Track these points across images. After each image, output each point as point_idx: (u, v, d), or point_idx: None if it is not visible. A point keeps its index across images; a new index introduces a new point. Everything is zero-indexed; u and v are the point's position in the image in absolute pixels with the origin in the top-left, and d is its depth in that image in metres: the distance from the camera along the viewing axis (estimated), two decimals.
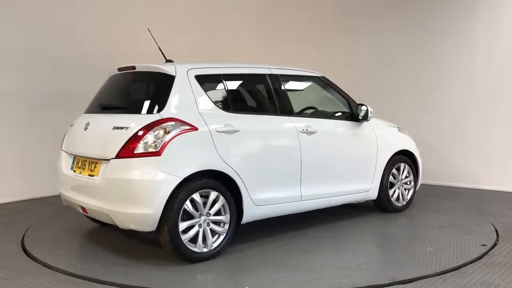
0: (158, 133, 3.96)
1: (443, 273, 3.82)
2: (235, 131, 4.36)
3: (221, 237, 4.24)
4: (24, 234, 5.12)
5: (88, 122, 4.54)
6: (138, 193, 3.90)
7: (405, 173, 5.88)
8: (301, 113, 5.21)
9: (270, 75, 4.93)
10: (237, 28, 9.16)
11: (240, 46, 9.09)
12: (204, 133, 4.17)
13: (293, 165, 4.75)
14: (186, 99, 4.25)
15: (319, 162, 5.01)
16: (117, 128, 4.13)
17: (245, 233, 4.89)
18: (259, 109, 5.06)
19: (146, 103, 4.25)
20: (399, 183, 5.84)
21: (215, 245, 4.20)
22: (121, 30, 7.74)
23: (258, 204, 4.47)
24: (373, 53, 8.58)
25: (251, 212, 4.44)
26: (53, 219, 5.76)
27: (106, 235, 5.08)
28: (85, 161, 4.38)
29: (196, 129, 4.14)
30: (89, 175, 4.26)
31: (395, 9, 8.34)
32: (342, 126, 5.38)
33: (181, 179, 3.94)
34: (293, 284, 3.67)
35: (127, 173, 3.93)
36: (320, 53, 9.21)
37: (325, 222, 5.45)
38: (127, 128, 4.05)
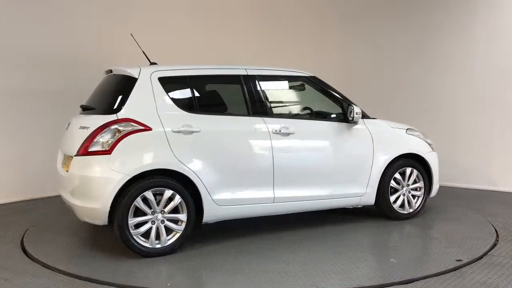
0: (110, 132, 4.22)
1: (443, 274, 3.82)
2: (194, 132, 4.46)
3: (177, 235, 4.36)
4: (24, 235, 5.12)
5: (70, 122, 4.95)
6: (89, 188, 4.22)
7: (413, 178, 5.47)
8: (282, 114, 5.15)
9: (245, 76, 4.93)
10: (237, 28, 9.16)
11: (240, 46, 9.08)
12: (158, 133, 4.33)
13: (263, 166, 4.71)
14: (145, 101, 4.45)
15: (297, 164, 4.90)
16: (82, 127, 4.46)
17: (217, 233, 4.95)
18: (227, 110, 5.04)
19: (109, 104, 4.50)
20: (404, 189, 5.44)
21: (169, 242, 4.33)
22: (121, 31, 7.72)
23: (220, 204, 4.53)
24: (373, 54, 8.57)
25: (212, 212, 4.51)
26: (53, 219, 5.76)
27: (106, 236, 5.07)
28: (66, 158, 4.64)
29: (149, 129, 4.31)
30: (66, 171, 4.54)
31: (395, 10, 8.34)
32: (328, 127, 5.15)
33: (130, 177, 4.15)
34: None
35: (81, 170, 4.26)
36: (320, 53, 9.21)
37: (305, 227, 5.21)
38: (88, 128, 4.35)
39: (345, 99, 5.28)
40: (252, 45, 9.24)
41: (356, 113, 5.08)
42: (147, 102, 4.45)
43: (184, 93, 4.74)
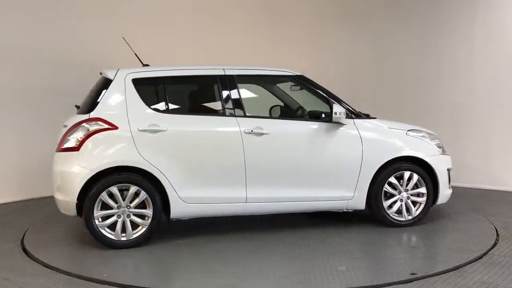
0: (81, 131, 4.54)
1: (443, 273, 3.82)
2: (160, 131, 4.60)
3: (143, 229, 4.56)
4: (24, 234, 5.12)
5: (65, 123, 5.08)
6: (62, 182, 4.58)
7: (412, 183, 5.10)
8: (258, 114, 5.07)
9: (222, 76, 4.95)
10: (237, 27, 9.15)
11: (240, 45, 9.07)
12: (124, 132, 4.56)
13: (234, 166, 4.74)
14: (116, 101, 4.69)
15: (272, 165, 4.83)
16: (64, 126, 4.79)
17: (192, 229, 5.06)
18: (200, 110, 5.12)
19: (87, 104, 4.80)
20: (401, 194, 5.13)
21: (135, 235, 4.55)
22: (121, 31, 7.72)
23: (188, 202, 4.64)
24: (373, 53, 8.57)
25: (179, 209, 4.65)
26: (53, 219, 5.75)
27: None
28: None
29: (116, 128, 4.56)
30: None
31: (395, 9, 8.34)
32: (310, 128, 4.99)
33: (94, 173, 4.43)
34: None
35: (57, 165, 4.63)
36: (320, 53, 9.21)
37: (291, 228, 5.15)
38: (66, 126, 4.71)
39: (334, 98, 5.05)
40: (252, 45, 9.23)
41: (335, 113, 4.82)
42: (119, 102, 4.68)
43: (156, 94, 4.93)
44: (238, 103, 4.89)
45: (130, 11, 7.93)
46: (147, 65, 5.26)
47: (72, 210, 4.52)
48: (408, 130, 5.24)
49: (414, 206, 5.16)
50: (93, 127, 4.54)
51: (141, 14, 8.04)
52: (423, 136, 5.27)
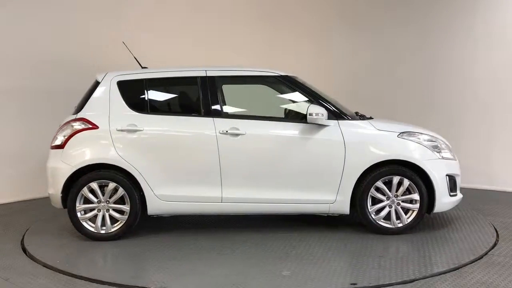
0: (67, 130, 4.91)
1: (443, 273, 3.82)
2: (137, 131, 4.83)
3: (121, 224, 4.82)
4: (24, 234, 5.13)
5: None
6: (50, 177, 4.93)
7: (403, 188, 4.83)
8: (235, 115, 5.05)
9: (203, 78, 5.02)
10: (237, 28, 9.15)
11: (240, 46, 9.08)
12: (103, 131, 4.85)
13: (208, 166, 4.81)
14: (101, 102, 4.99)
15: (247, 165, 4.84)
16: (59, 125, 5.08)
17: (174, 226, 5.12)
18: (178, 111, 5.24)
19: (78, 105, 5.10)
20: (390, 200, 4.86)
21: (113, 229, 4.83)
22: (123, 33, 7.75)
23: (164, 199, 4.83)
24: (373, 53, 8.57)
25: (155, 206, 4.85)
26: (53, 219, 5.76)
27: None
28: None
29: (96, 127, 4.85)
30: None
31: (395, 10, 8.34)
32: (289, 128, 4.90)
33: (76, 169, 4.77)
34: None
35: (48, 161, 4.97)
36: (320, 53, 9.21)
37: (261, 231, 5.07)
38: (59, 125, 5.05)
39: (319, 99, 4.94)
40: (252, 44, 9.23)
41: (310, 114, 4.72)
42: (103, 103, 4.98)
43: (137, 95, 5.09)
44: (216, 104, 4.95)
45: (134, 12, 7.94)
46: (145, 67, 5.38)
47: (58, 203, 4.88)
48: (401, 133, 4.92)
49: (407, 213, 4.89)
50: (76, 126, 4.89)
51: (143, 14, 8.05)
52: (418, 139, 4.93)
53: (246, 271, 3.96)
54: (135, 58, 5.52)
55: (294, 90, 5.09)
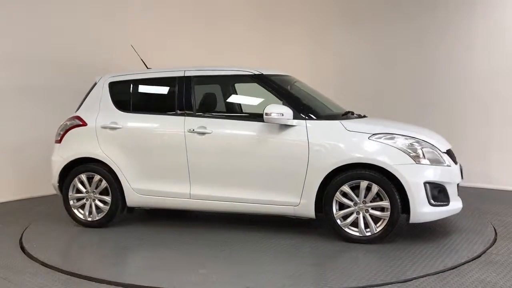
0: (63, 126, 5.48)
1: (442, 272, 3.82)
2: (117, 128, 5.21)
3: (103, 213, 5.20)
4: (22, 233, 5.12)
5: None
6: (51, 168, 5.44)
7: (371, 194, 4.45)
8: (205, 114, 5.05)
9: (180, 78, 5.18)
10: (238, 27, 9.15)
11: (241, 45, 9.08)
12: (90, 128, 5.31)
13: (177, 163, 4.97)
14: (94, 101, 5.46)
15: (213, 164, 4.88)
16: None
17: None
18: (155, 110, 5.39)
19: (79, 104, 5.59)
20: (357, 206, 4.50)
21: (97, 217, 5.22)
22: (127, 34, 7.77)
23: (139, 193, 5.13)
24: (373, 52, 8.57)
25: (132, 199, 5.17)
26: (51, 218, 5.76)
27: (105, 234, 5.07)
28: None
29: (85, 124, 5.33)
30: None
31: (394, 9, 8.34)
32: (254, 128, 4.79)
33: (67, 162, 5.30)
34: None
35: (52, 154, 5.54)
36: (320, 53, 9.21)
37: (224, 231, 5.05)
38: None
39: (290, 99, 4.82)
40: (252, 44, 9.24)
41: (266, 114, 4.59)
42: (95, 102, 5.44)
43: (123, 95, 5.44)
44: (189, 103, 5.07)
45: (135, 15, 7.95)
46: (150, 68, 5.67)
47: (57, 190, 5.46)
48: (373, 134, 4.52)
49: (377, 222, 4.49)
50: (70, 123, 5.43)
51: (144, 15, 8.05)
52: (393, 142, 4.47)
53: (170, 267, 4.05)
54: (142, 60, 5.78)
55: (266, 89, 4.97)
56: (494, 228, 5.07)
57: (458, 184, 4.77)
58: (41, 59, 6.99)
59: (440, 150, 4.61)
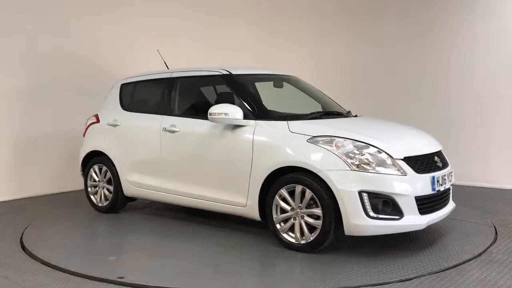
0: (87, 123, 6.22)
1: (442, 271, 3.82)
2: (117, 125, 5.80)
3: (109, 200, 5.87)
4: (23, 232, 5.12)
5: None
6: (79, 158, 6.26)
7: (305, 200, 4.16)
8: (179, 113, 5.29)
9: (169, 79, 5.52)
10: (239, 27, 9.16)
11: (241, 45, 9.09)
12: (101, 125, 6.00)
13: (155, 159, 5.37)
14: (109, 101, 6.15)
15: (178, 161, 5.18)
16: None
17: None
18: (148, 109, 5.73)
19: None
20: (294, 211, 4.24)
21: (105, 203, 5.92)
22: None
23: (132, 185, 5.62)
24: (373, 51, 8.58)
25: (127, 189, 5.68)
26: (52, 217, 5.77)
27: (105, 233, 5.07)
28: None
29: (98, 121, 6.05)
30: None
31: (396, 7, 8.35)
32: (208, 127, 4.86)
33: (85, 153, 6.09)
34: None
35: None
36: (320, 52, 9.22)
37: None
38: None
39: (248, 98, 4.80)
40: (252, 44, 9.23)
41: (210, 114, 4.61)
42: (110, 102, 6.11)
43: (127, 96, 5.98)
44: (170, 103, 5.39)
45: (140, 17, 7.95)
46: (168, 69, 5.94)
47: (81, 175, 6.23)
48: (314, 137, 4.22)
49: (312, 231, 4.17)
50: (90, 120, 6.18)
51: (145, 16, 8.06)
52: (330, 146, 4.11)
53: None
54: (165, 63, 6.19)
55: (230, 89, 5.01)
56: (495, 227, 5.07)
57: (444, 192, 4.45)
58: (41, 59, 7.01)
59: (392, 157, 4.07)
